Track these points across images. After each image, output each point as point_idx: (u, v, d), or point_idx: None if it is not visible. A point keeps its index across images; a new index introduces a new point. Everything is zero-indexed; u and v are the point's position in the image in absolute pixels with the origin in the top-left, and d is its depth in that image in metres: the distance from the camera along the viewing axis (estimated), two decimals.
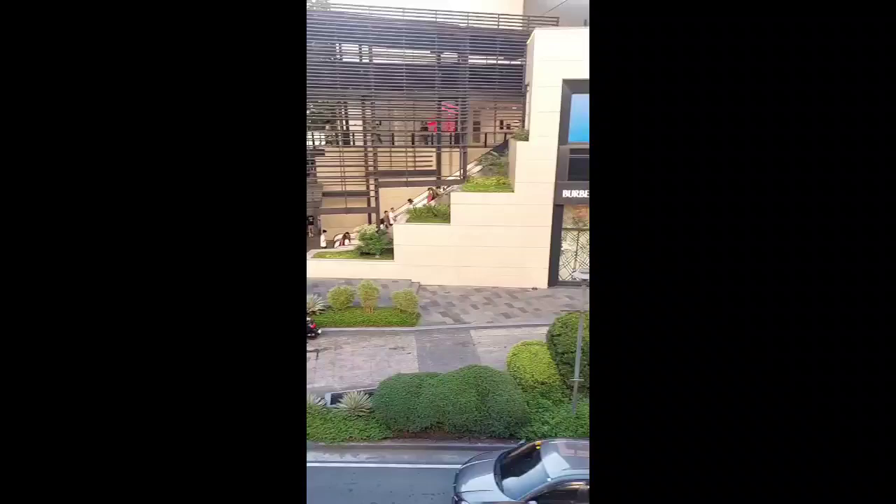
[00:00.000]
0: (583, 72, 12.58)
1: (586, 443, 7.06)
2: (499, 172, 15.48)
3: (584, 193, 13.54)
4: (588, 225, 14.08)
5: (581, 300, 8.61)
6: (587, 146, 13.23)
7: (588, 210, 13.94)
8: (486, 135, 18.23)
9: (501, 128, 17.79)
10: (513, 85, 16.02)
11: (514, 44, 15.77)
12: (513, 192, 13.80)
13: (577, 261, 14.49)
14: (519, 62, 15.87)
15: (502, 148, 17.08)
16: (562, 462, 6.32)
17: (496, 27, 15.90)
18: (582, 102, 12.97)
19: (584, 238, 14.31)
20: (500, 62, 15.97)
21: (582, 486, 6.08)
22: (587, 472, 6.19)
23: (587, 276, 7.98)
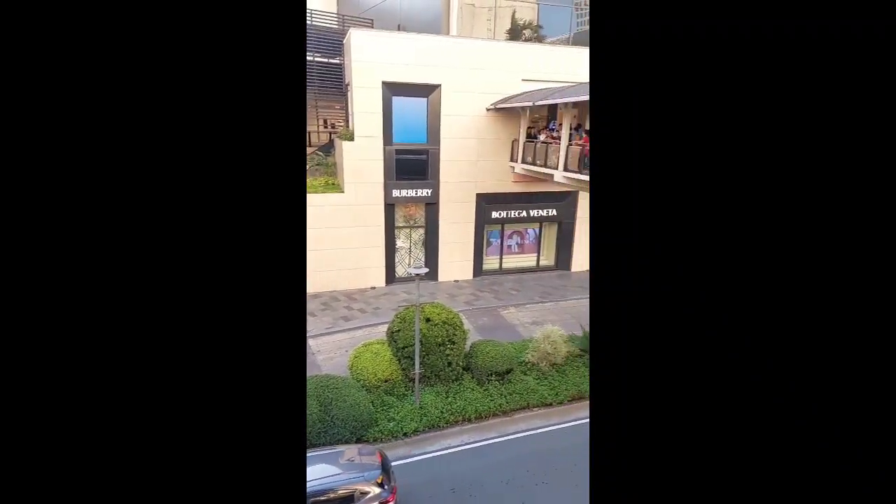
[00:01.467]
0: (401, 75, 13.02)
1: (344, 449, 6.84)
2: (326, 173, 15.01)
3: (413, 192, 14.09)
4: (418, 222, 14.73)
5: (416, 294, 8.94)
6: (411, 147, 13.80)
7: (417, 208, 14.57)
8: (309, 134, 17.48)
9: (326, 127, 17.28)
10: (333, 83, 15.67)
11: (330, 41, 15.42)
12: (343, 192, 13.55)
13: (411, 257, 15.02)
14: (337, 61, 15.60)
15: (328, 147, 16.62)
16: (315, 473, 6.06)
17: (309, 22, 15.31)
18: (402, 105, 13.41)
19: (416, 235, 14.92)
20: (317, 59, 15.44)
21: (333, 495, 5.91)
22: (339, 478, 6.08)
23: (421, 271, 8.34)
